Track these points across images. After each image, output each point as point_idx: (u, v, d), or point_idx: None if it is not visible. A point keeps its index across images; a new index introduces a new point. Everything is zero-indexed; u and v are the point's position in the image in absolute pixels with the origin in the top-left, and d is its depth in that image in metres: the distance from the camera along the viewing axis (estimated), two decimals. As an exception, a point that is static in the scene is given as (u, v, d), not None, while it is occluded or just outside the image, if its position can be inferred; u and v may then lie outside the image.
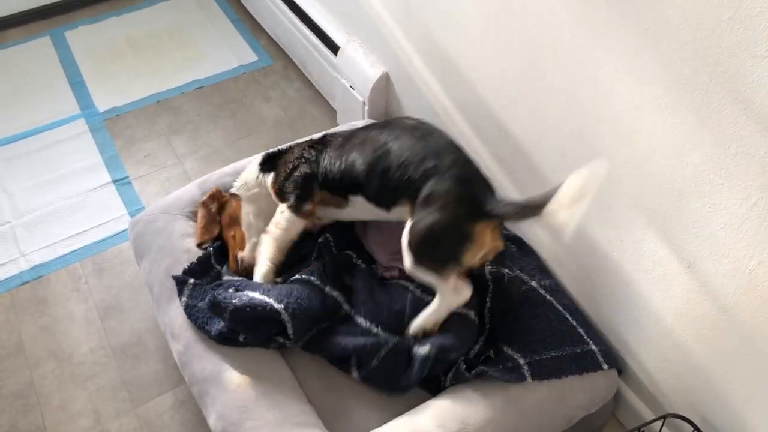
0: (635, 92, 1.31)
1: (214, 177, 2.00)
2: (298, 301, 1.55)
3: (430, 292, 1.57)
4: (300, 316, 1.54)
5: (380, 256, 1.76)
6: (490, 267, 1.67)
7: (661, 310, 1.48)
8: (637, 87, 1.30)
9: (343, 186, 1.64)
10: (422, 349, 1.49)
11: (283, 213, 1.70)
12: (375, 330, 1.58)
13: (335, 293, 1.63)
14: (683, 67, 1.19)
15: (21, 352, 1.98)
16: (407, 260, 1.46)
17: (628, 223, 1.47)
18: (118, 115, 2.75)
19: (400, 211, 1.55)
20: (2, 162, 2.55)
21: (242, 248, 1.78)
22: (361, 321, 1.60)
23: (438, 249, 1.43)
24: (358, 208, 1.66)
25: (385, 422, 1.48)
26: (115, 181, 2.48)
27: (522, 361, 1.53)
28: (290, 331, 1.54)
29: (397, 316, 1.59)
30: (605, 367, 1.59)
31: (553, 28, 1.46)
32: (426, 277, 1.47)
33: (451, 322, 1.54)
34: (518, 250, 1.81)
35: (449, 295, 1.49)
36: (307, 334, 1.59)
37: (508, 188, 1.86)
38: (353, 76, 2.40)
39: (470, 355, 1.57)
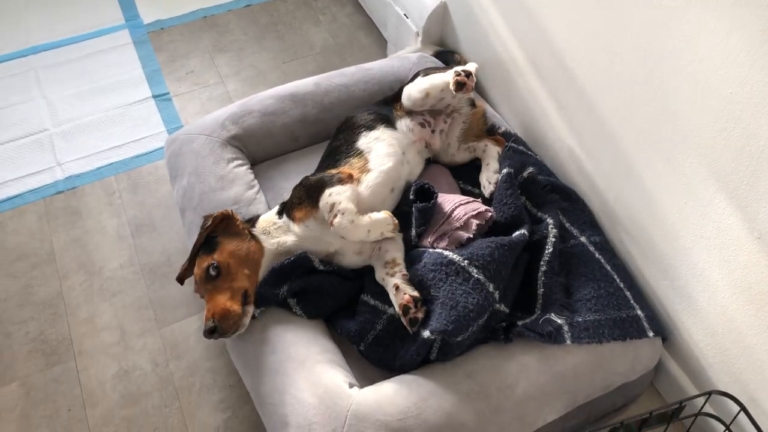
0: (723, 40, 1.17)
1: (255, 100, 1.91)
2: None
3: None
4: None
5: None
6: (554, 230, 1.56)
7: (720, 281, 1.37)
8: (726, 35, 1.16)
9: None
10: (425, 332, 1.37)
11: (332, 195, 1.46)
12: (373, 302, 1.48)
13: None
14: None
15: (52, 261, 1.96)
16: None
17: (695, 185, 1.34)
18: (162, 29, 2.67)
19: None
20: (44, 69, 2.50)
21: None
22: (367, 299, 1.51)
23: None
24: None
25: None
26: (155, 97, 2.42)
27: (561, 322, 1.45)
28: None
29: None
30: (650, 334, 1.50)
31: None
32: None
33: (462, 288, 1.39)
34: (569, 202, 1.70)
35: None
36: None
37: (565, 132, 1.74)
38: (408, 3, 2.26)
39: (515, 322, 1.46)
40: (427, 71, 1.78)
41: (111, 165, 2.21)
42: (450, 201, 1.58)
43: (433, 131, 1.75)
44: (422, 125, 1.73)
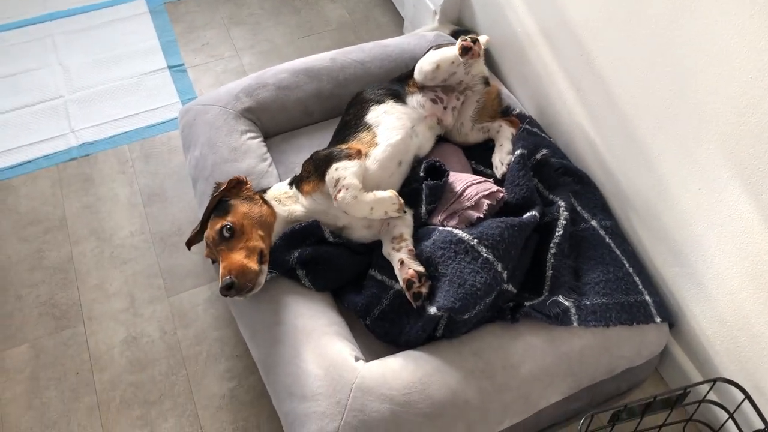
0: (743, 25, 1.15)
1: (269, 73, 1.91)
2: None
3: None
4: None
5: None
6: (565, 213, 1.55)
7: (731, 269, 1.37)
8: (748, 19, 1.14)
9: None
10: (432, 309, 1.37)
11: (338, 170, 1.47)
12: (380, 277, 1.49)
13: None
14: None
15: (64, 227, 1.98)
16: None
17: (710, 171, 1.33)
18: (179, 0, 2.66)
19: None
20: (61, 35, 2.50)
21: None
22: (374, 274, 1.51)
23: None
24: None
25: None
26: (170, 67, 2.42)
27: (569, 304, 1.44)
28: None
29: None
30: (658, 320, 1.49)
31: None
32: None
33: (470, 267, 1.39)
34: (581, 185, 1.69)
35: None
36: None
37: (581, 116, 1.73)
38: (427, -19, 2.24)
39: (522, 303, 1.47)
40: (440, 46, 1.78)
41: (125, 134, 2.22)
42: (462, 180, 1.58)
43: (445, 108, 1.75)
44: (434, 101, 1.73)
